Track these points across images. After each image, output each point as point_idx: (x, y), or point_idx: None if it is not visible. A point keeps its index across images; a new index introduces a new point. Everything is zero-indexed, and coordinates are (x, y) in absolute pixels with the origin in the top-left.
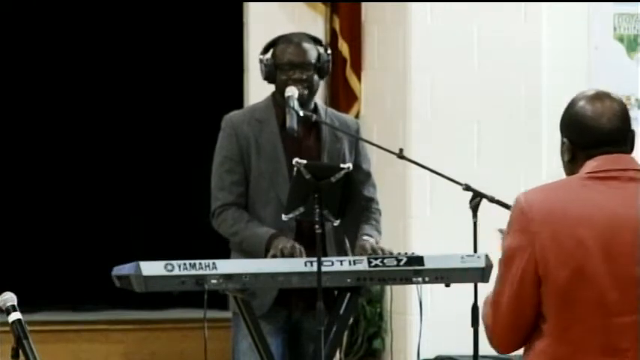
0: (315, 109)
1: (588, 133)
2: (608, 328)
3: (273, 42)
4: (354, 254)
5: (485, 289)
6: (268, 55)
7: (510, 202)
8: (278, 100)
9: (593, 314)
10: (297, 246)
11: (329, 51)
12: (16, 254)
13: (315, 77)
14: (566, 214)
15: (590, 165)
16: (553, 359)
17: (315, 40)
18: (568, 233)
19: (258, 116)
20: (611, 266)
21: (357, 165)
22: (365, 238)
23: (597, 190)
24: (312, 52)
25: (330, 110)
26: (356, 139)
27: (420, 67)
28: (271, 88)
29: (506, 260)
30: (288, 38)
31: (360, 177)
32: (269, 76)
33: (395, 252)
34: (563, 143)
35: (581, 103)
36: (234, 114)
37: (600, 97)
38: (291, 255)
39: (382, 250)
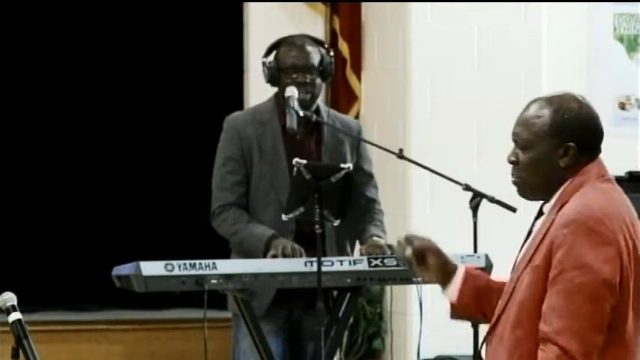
0: (317, 111)
1: (599, 135)
2: None
3: (276, 44)
4: (362, 254)
5: None
6: (271, 58)
7: (510, 202)
8: (280, 101)
9: None
10: (297, 247)
11: (331, 53)
12: (16, 254)
13: (318, 80)
14: (625, 219)
15: (597, 167)
16: None
17: (318, 42)
18: (631, 237)
19: (261, 118)
20: None
21: (358, 166)
22: (375, 238)
23: (618, 192)
24: (315, 55)
25: (332, 112)
26: (357, 141)
27: (420, 67)
28: (272, 88)
29: (607, 285)
30: (291, 41)
31: (362, 178)
32: (272, 78)
33: None
34: (568, 148)
35: (581, 105)
36: (236, 115)
37: (580, 97)
38: (291, 255)
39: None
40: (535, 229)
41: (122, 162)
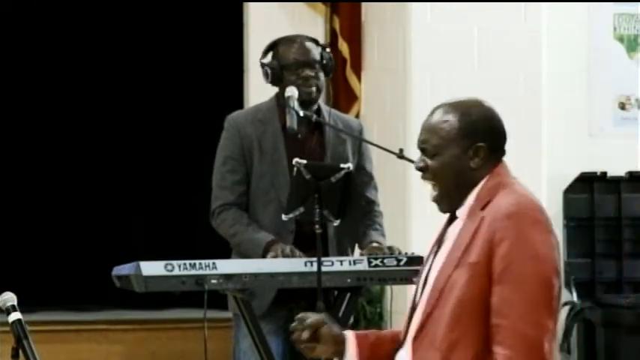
0: (319, 111)
1: (504, 136)
2: None
3: (273, 45)
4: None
5: None
6: (270, 58)
7: None
8: (281, 101)
9: None
10: (297, 251)
11: (328, 49)
12: (16, 254)
13: (322, 75)
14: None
15: (505, 168)
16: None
17: (314, 41)
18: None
19: (261, 117)
20: None
21: (360, 166)
22: (375, 244)
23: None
24: (315, 50)
25: (334, 111)
26: (359, 140)
27: (420, 67)
28: (272, 88)
29: (554, 269)
30: (289, 38)
31: (363, 178)
32: (274, 78)
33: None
34: (478, 148)
35: (485, 107)
36: (237, 114)
37: (482, 101)
38: (290, 256)
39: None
40: (452, 233)
41: (122, 162)
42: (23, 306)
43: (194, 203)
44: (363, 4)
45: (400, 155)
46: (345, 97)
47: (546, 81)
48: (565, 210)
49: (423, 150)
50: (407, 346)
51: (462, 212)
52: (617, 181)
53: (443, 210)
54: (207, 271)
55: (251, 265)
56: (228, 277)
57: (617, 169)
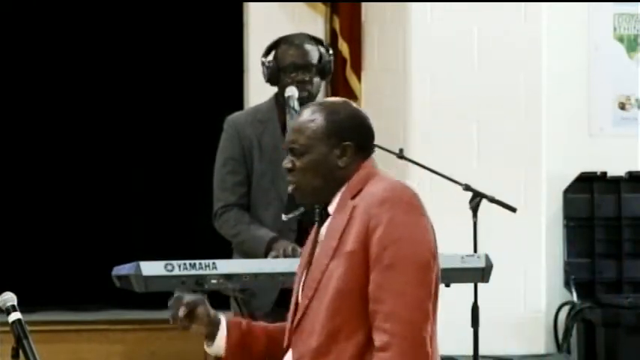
0: None
1: (372, 135)
2: None
3: (275, 44)
4: None
5: (485, 290)
6: (270, 58)
7: (510, 202)
8: (280, 101)
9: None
10: (299, 249)
11: (330, 51)
12: (16, 254)
13: (317, 79)
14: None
15: (372, 162)
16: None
17: (317, 41)
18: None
19: (261, 117)
20: None
21: None
22: None
23: None
24: (314, 53)
25: None
26: None
27: (420, 67)
28: (272, 88)
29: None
30: (290, 40)
31: None
32: (271, 78)
33: None
34: (345, 147)
35: (352, 107)
36: (236, 115)
37: (349, 101)
38: (292, 256)
39: None
40: (326, 230)
41: (122, 162)
42: (23, 306)
43: (194, 203)
44: (363, 4)
45: (400, 155)
46: (345, 97)
47: (546, 81)
48: (565, 210)
49: (291, 150)
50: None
51: (332, 209)
52: (617, 181)
53: (304, 205)
54: (207, 271)
55: (251, 265)
56: (228, 277)
57: (617, 169)
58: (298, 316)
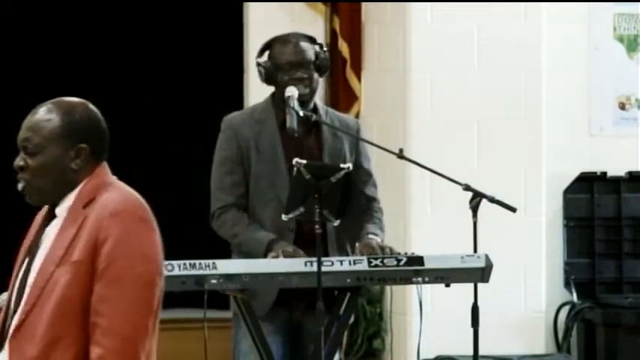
0: (315, 109)
1: (107, 139)
2: None
3: (269, 44)
4: (356, 253)
5: (485, 290)
6: (265, 58)
7: (510, 202)
8: (277, 100)
9: None
10: (299, 251)
11: (325, 48)
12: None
13: (315, 75)
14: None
15: (105, 169)
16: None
17: (310, 39)
18: None
19: (258, 117)
20: None
21: (358, 164)
22: (370, 236)
23: None
24: (310, 50)
25: (331, 110)
26: (356, 139)
27: (420, 67)
28: (271, 88)
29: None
30: (285, 38)
31: (361, 177)
32: (268, 78)
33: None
34: (80, 149)
35: (89, 109)
36: (233, 115)
37: (86, 102)
38: (291, 256)
39: (390, 248)
40: (51, 232)
41: (122, 161)
42: None
43: (194, 204)
44: (363, 4)
45: (400, 155)
46: (345, 97)
47: (546, 81)
48: (565, 210)
49: (24, 148)
50: (5, 346)
51: (61, 211)
52: (617, 181)
53: (30, 201)
54: (207, 271)
55: (251, 265)
56: (228, 277)
57: (617, 169)
58: (18, 320)
